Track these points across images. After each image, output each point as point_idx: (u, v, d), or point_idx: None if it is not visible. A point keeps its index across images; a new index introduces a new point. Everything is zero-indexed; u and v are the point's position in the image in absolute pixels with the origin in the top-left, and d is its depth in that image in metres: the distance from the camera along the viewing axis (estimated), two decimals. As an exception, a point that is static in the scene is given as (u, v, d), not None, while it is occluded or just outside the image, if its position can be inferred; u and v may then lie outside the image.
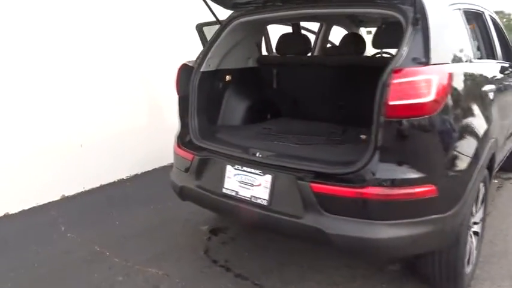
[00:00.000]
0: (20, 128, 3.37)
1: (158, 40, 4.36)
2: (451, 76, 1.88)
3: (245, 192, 2.14)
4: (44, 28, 3.46)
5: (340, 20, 4.33)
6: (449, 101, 1.86)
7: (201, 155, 2.35)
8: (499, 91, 2.66)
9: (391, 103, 1.75)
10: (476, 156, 2.07)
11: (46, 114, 3.53)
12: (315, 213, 1.90)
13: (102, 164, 3.94)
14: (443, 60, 1.97)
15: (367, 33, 4.98)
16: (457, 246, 2.06)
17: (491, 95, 2.47)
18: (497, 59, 3.09)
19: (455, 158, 1.94)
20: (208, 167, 2.33)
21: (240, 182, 2.17)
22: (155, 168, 4.43)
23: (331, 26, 4.46)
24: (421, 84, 1.75)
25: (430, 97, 1.75)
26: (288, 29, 3.49)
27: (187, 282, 2.44)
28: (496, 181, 3.90)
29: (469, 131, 2.07)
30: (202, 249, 2.80)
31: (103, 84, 3.94)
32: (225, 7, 2.63)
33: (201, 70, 2.56)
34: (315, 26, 4.40)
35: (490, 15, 3.23)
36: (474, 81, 2.30)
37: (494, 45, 3.09)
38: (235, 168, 2.20)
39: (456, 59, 2.14)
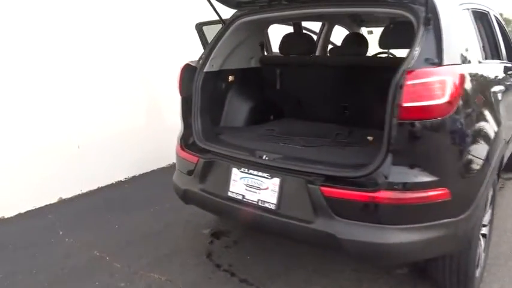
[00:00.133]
0: (17, 130, 3.30)
1: (158, 40, 4.31)
2: (463, 77, 1.85)
3: (252, 196, 2.09)
4: (44, 28, 3.41)
5: (343, 20, 4.28)
6: (462, 102, 1.82)
7: (205, 158, 2.29)
8: (506, 92, 2.64)
9: (404, 105, 1.70)
10: (488, 159, 2.04)
11: (42, 115, 3.46)
12: (326, 218, 1.85)
13: (100, 166, 3.88)
14: (454, 60, 1.93)
15: (367, 33, 4.95)
16: (469, 250, 2.03)
17: (499, 96, 2.44)
18: (502, 59, 3.07)
19: (468, 160, 1.90)
20: (213, 170, 2.27)
21: (246, 185, 2.11)
22: (153, 170, 4.39)
23: (333, 26, 4.41)
24: (436, 85, 1.72)
25: (444, 99, 1.71)
26: (289, 29, 3.44)
27: (191, 288, 2.39)
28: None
29: (481, 133, 2.03)
30: (205, 253, 2.75)
31: (102, 84, 3.88)
32: (228, 6, 2.57)
33: (204, 70, 2.50)
34: (315, 25, 4.35)
35: (495, 15, 3.21)
36: (484, 82, 2.28)
37: (500, 46, 3.07)
38: (242, 171, 2.14)
39: (467, 60, 2.10)
